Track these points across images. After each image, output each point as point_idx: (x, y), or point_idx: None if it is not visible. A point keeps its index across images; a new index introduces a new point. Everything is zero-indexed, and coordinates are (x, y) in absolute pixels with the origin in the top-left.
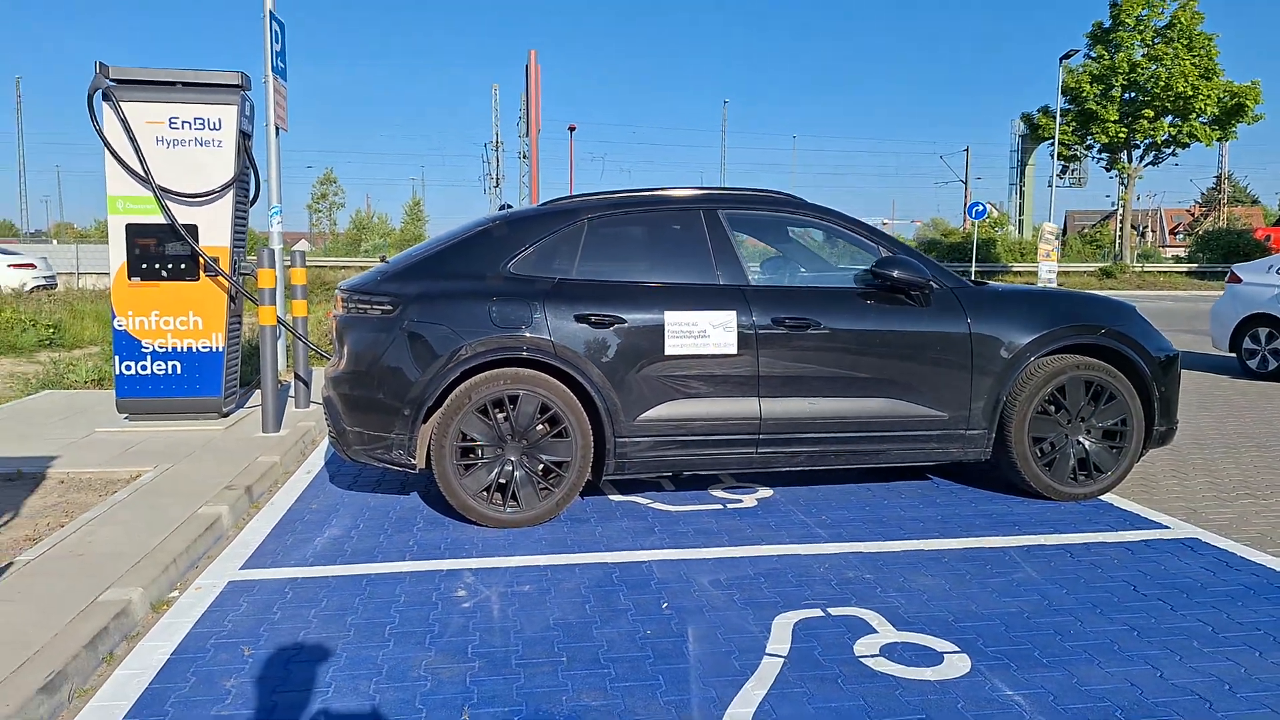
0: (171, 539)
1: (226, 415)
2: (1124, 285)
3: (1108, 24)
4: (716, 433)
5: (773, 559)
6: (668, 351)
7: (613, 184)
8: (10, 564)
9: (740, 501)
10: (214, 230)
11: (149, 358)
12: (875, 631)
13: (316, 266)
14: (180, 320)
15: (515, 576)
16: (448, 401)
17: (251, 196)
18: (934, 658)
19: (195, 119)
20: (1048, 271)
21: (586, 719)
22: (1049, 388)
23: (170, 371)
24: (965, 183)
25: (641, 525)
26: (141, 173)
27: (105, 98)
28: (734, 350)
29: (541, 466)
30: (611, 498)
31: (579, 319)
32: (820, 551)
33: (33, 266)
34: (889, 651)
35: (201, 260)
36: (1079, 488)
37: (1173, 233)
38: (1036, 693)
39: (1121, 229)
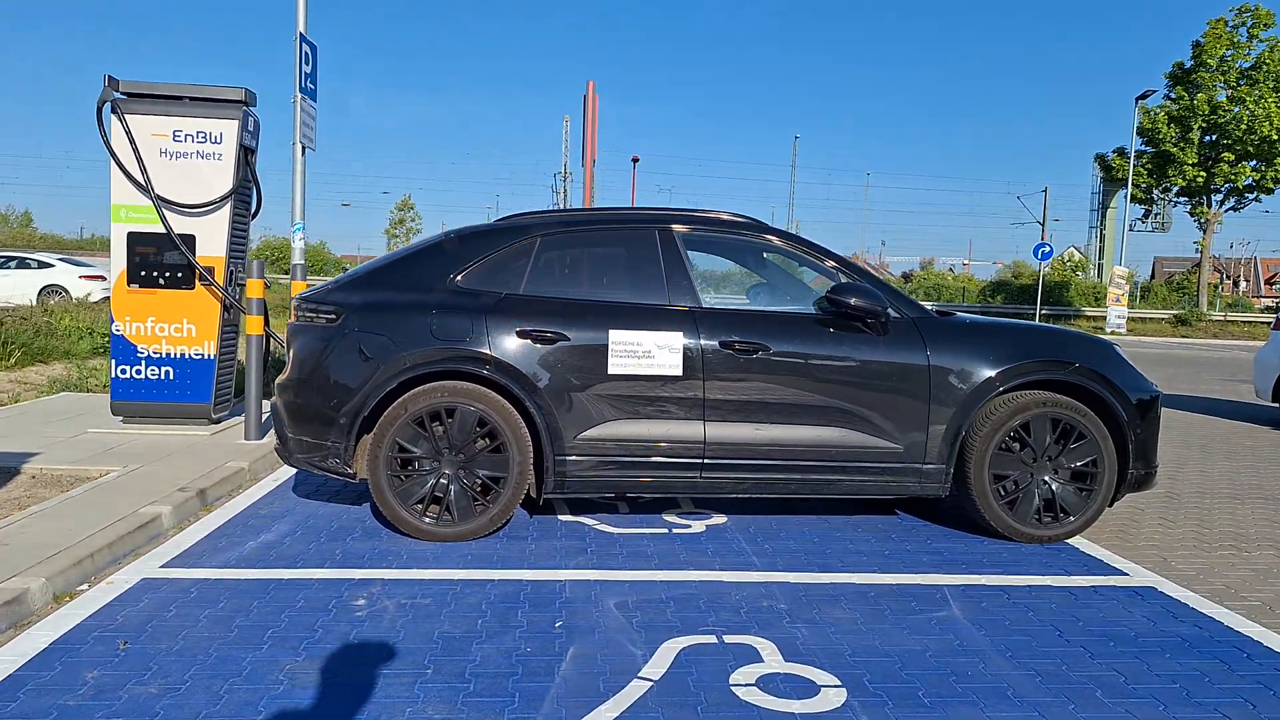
0: (99, 535)
1: (216, 422)
2: (1198, 333)
3: (1189, 64)
4: (659, 455)
5: (692, 584)
6: (611, 371)
7: None
8: None
9: (688, 527)
10: (211, 241)
11: (143, 362)
12: (761, 661)
13: None
14: (175, 327)
15: (422, 589)
16: (386, 412)
17: (253, 210)
18: (811, 690)
19: (198, 132)
20: (1117, 316)
21: None
22: (1012, 424)
23: (163, 377)
24: (1042, 224)
25: (576, 545)
26: (143, 182)
27: (113, 110)
28: (679, 372)
29: (478, 481)
30: (561, 517)
31: (521, 334)
32: (744, 579)
33: (102, 278)
34: (766, 682)
35: (196, 270)
36: (1043, 529)
37: (1269, 282)
38: None
39: (1200, 275)
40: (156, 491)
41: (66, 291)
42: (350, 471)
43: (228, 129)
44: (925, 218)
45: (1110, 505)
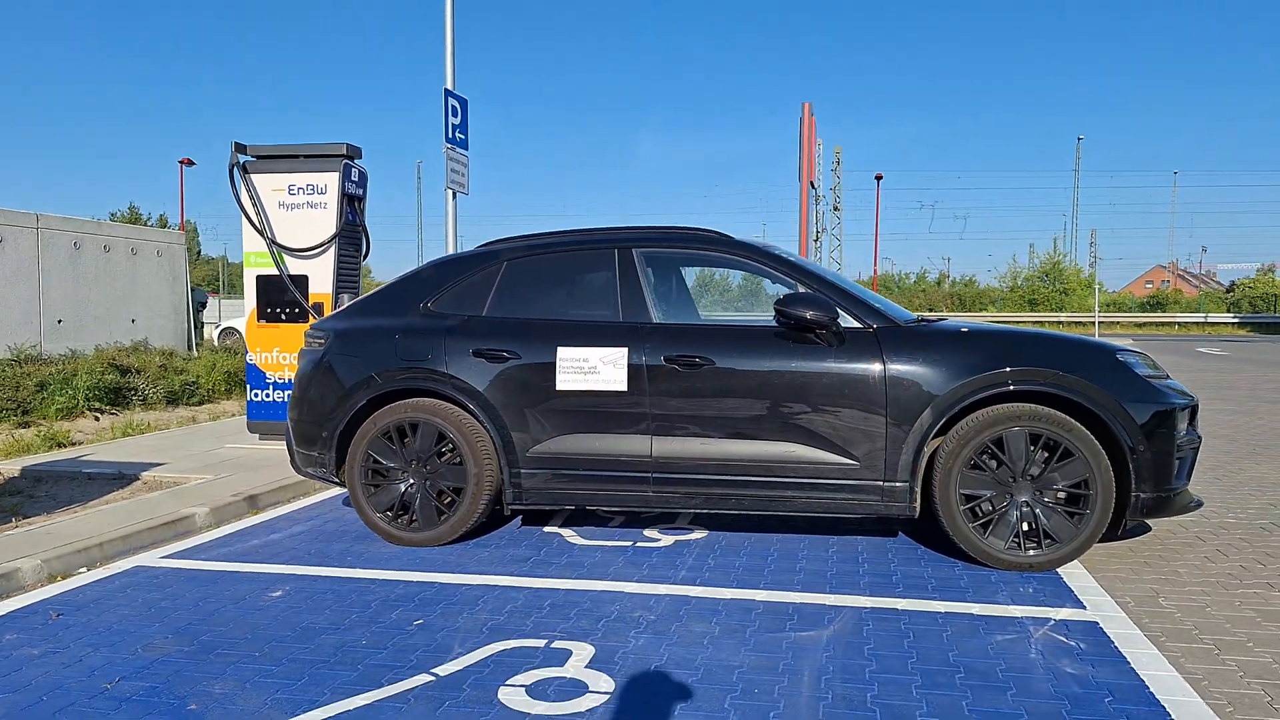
0: (124, 528)
1: None
2: None
3: None
4: (609, 469)
5: (588, 594)
6: (559, 387)
7: (941, 232)
8: None
9: (657, 541)
10: (321, 280)
11: (271, 387)
12: (560, 666)
13: None
14: (295, 356)
15: (335, 586)
16: (361, 427)
17: (364, 251)
18: (575, 693)
19: (307, 185)
20: None
21: (204, 701)
22: (982, 439)
23: (286, 399)
24: None
25: (527, 555)
26: (268, 232)
27: (244, 170)
28: (624, 387)
29: (441, 492)
30: (545, 529)
31: (476, 353)
32: (647, 591)
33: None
34: (540, 685)
35: (305, 305)
36: (1023, 556)
37: None
38: None
39: None
40: (215, 496)
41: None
42: (337, 480)
43: (331, 180)
44: (1257, 217)
45: (1120, 533)
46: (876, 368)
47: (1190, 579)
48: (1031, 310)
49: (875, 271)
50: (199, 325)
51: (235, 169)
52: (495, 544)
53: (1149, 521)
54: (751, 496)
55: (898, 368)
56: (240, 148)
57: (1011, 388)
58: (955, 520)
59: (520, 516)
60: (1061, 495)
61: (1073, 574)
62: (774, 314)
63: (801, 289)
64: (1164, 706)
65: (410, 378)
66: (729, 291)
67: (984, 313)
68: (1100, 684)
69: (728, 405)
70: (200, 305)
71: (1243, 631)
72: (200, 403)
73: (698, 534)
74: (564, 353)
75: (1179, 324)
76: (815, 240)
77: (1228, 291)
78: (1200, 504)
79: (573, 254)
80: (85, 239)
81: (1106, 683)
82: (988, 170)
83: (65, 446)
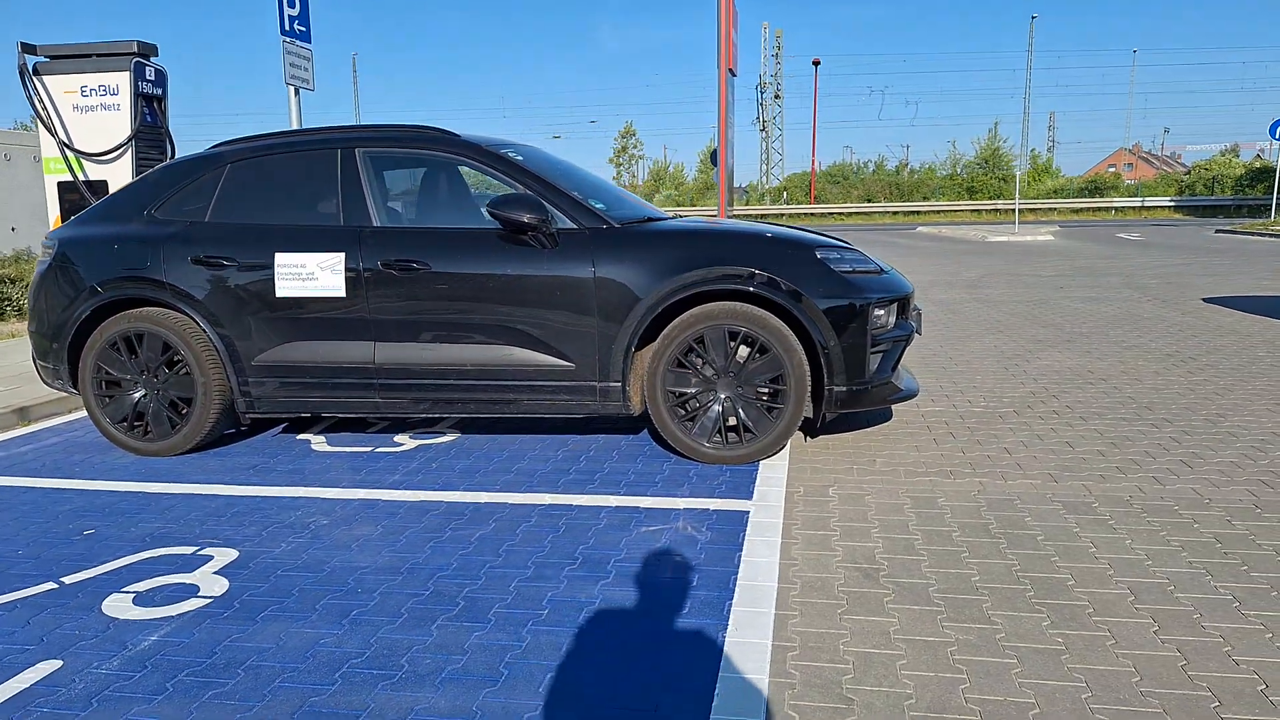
0: None
1: None
2: None
3: None
4: (334, 376)
5: (280, 500)
6: (279, 294)
7: (892, 119)
8: None
9: (400, 446)
10: (122, 184)
11: None
12: (189, 572)
13: None
14: None
15: (52, 498)
16: (90, 337)
17: (169, 154)
18: (182, 597)
19: (99, 85)
20: None
21: None
22: (685, 337)
23: None
24: None
25: (258, 463)
26: (59, 135)
27: (35, 72)
28: (343, 293)
29: (173, 402)
30: (299, 436)
31: (195, 261)
32: (350, 496)
33: None
34: (157, 590)
35: None
36: (725, 450)
37: None
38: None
39: None
40: None
41: None
42: (73, 390)
43: (123, 80)
44: (1225, 97)
45: (819, 425)
46: (586, 269)
47: (882, 468)
48: (970, 198)
49: (814, 161)
50: None
51: (25, 71)
52: (234, 453)
53: (892, 410)
54: (477, 400)
55: (605, 269)
56: (28, 48)
57: (710, 288)
58: (662, 417)
59: (284, 425)
60: (762, 391)
61: (775, 465)
62: (488, 216)
63: (521, 189)
64: (731, 589)
65: (131, 287)
66: (414, 193)
67: (925, 202)
68: (691, 569)
69: (447, 310)
70: None
71: (878, 519)
72: None
73: (447, 438)
74: (282, 259)
75: (1116, 209)
76: (762, 130)
77: (1186, 174)
78: (907, 394)
79: (296, 155)
80: None
81: (700, 568)
82: (941, 53)
83: None
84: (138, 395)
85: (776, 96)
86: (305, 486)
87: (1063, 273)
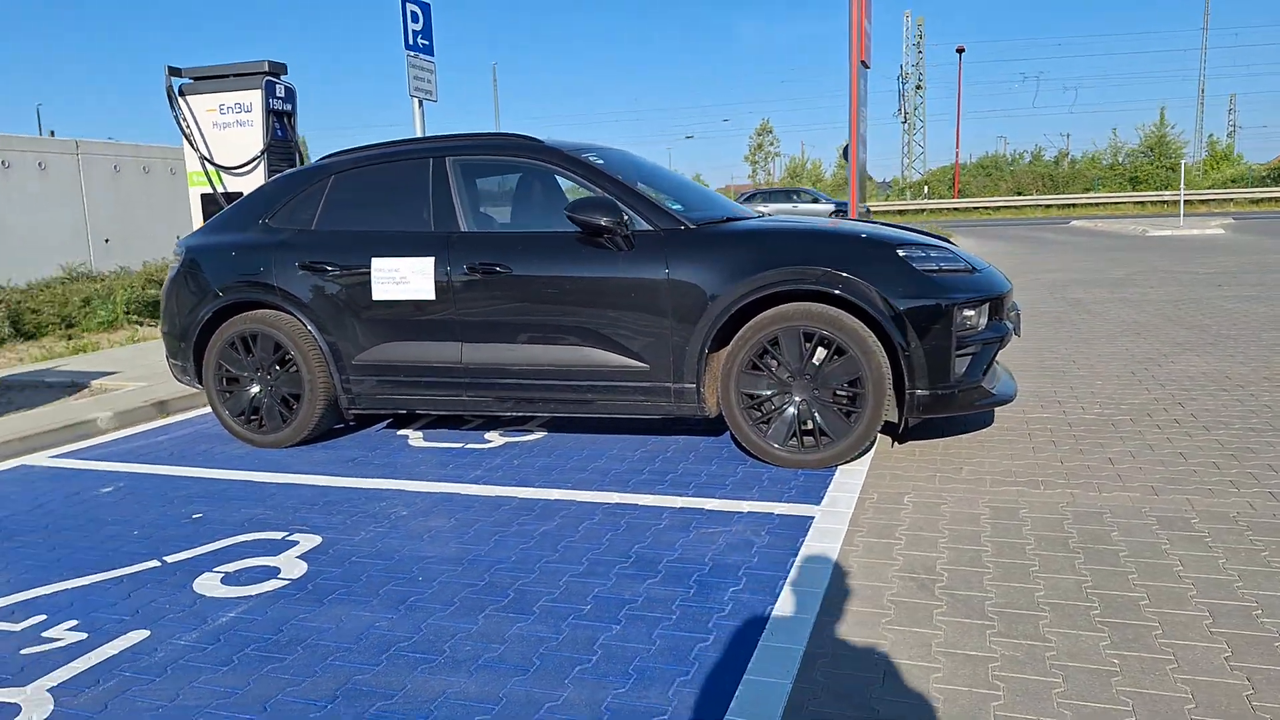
0: (23, 431)
1: None
2: None
3: None
4: (425, 375)
5: (369, 491)
6: (375, 297)
7: (1047, 106)
8: None
9: (490, 443)
10: None
11: None
12: (275, 555)
13: None
14: None
15: (159, 484)
16: (213, 337)
17: (299, 166)
18: (264, 578)
19: (235, 104)
20: None
21: None
22: (759, 339)
23: None
24: None
25: (357, 456)
26: (201, 151)
27: (180, 93)
28: (432, 295)
29: (284, 398)
30: (399, 432)
31: (301, 266)
32: (430, 489)
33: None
34: (244, 571)
35: None
36: (800, 454)
37: None
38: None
39: None
40: (129, 401)
41: None
42: (198, 386)
43: (255, 98)
44: None
45: (905, 430)
46: (660, 271)
47: (966, 476)
48: (1133, 189)
49: (958, 153)
50: None
51: (171, 93)
52: (338, 446)
53: (994, 415)
54: (556, 400)
55: (678, 270)
56: (174, 71)
57: (785, 288)
58: (736, 419)
59: (389, 421)
60: (840, 394)
61: (853, 470)
62: (568, 220)
63: (598, 194)
64: (776, 594)
65: (247, 291)
66: (504, 200)
67: (1082, 194)
68: (740, 573)
69: (527, 311)
70: None
71: (949, 529)
72: None
73: (534, 436)
74: (378, 263)
75: None
76: (904, 122)
77: None
78: (1001, 399)
79: (392, 165)
80: (124, 161)
81: (751, 572)
82: (1101, 35)
83: (87, 353)
84: (254, 391)
85: (919, 87)
86: (394, 479)
87: (1225, 270)
